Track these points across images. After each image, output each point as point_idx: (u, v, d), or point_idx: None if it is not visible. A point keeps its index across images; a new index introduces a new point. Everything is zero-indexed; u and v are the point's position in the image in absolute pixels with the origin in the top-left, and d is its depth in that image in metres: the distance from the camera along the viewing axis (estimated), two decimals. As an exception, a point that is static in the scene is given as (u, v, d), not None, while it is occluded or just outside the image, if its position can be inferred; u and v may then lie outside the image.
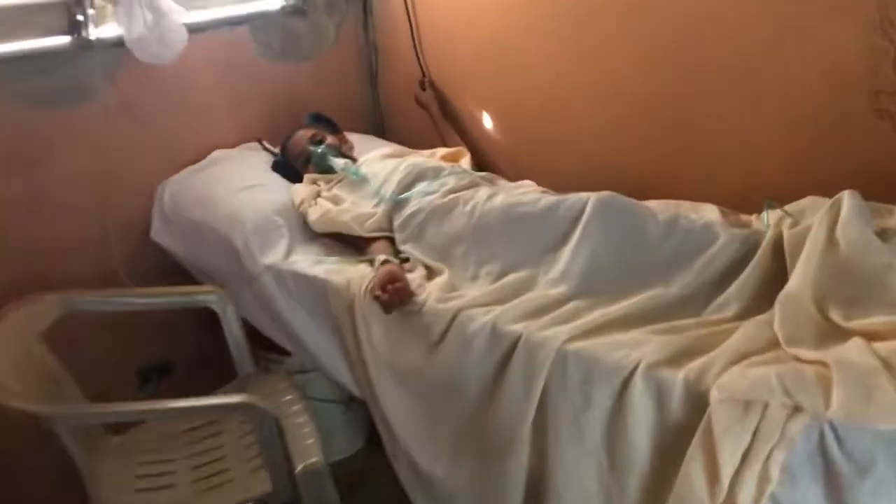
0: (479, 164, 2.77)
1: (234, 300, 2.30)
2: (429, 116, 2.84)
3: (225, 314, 2.18)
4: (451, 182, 2.17)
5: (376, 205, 2.23)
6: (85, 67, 2.27)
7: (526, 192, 2.12)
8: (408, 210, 2.15)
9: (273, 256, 2.24)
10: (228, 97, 2.65)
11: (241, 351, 2.20)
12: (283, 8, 2.77)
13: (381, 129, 3.13)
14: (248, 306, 2.30)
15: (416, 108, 2.88)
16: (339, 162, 2.37)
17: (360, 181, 2.32)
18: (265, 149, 2.64)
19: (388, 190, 2.22)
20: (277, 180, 2.48)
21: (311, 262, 2.19)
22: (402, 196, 2.18)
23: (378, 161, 2.42)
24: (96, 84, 2.29)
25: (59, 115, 2.25)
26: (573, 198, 1.96)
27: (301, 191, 2.36)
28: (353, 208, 2.25)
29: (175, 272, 2.43)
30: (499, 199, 2.04)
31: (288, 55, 2.79)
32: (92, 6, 2.26)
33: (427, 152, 2.62)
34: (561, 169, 2.61)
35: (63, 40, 2.25)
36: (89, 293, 2.08)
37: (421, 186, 2.20)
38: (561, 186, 2.38)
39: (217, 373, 2.24)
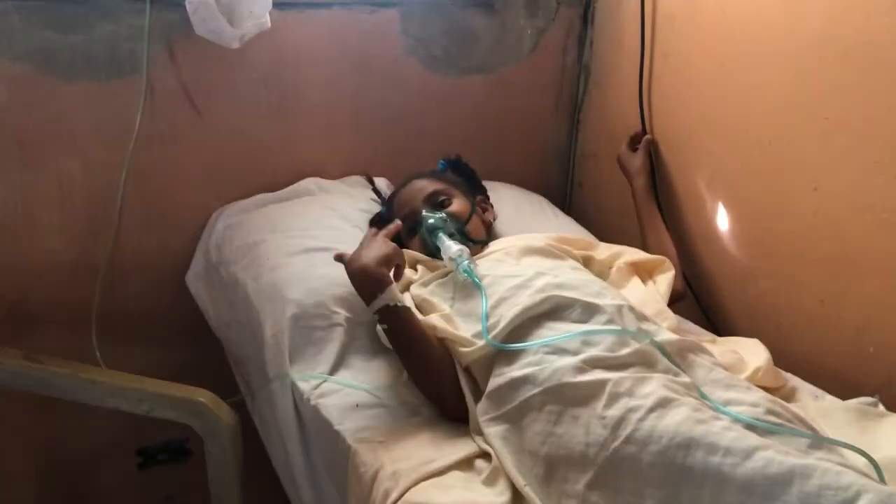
0: (691, 286, 1.79)
1: (254, 411, 1.53)
2: (630, 192, 1.88)
3: (209, 440, 1.39)
4: (602, 343, 1.20)
5: (477, 334, 1.32)
6: (133, 28, 1.57)
7: (740, 398, 1.10)
8: (515, 371, 1.21)
9: (309, 365, 1.42)
10: (345, 105, 1.84)
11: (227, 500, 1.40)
12: (460, -6, 1.92)
13: (566, 192, 2.20)
14: (266, 423, 1.51)
15: (621, 174, 1.92)
16: (450, 247, 1.47)
17: (471, 285, 1.42)
18: (375, 191, 1.81)
19: (503, 319, 1.29)
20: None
21: (347, 406, 1.34)
22: (515, 346, 1.25)
23: (513, 258, 1.49)
24: (145, 54, 1.58)
25: (81, 86, 1.56)
26: (826, 474, 0.93)
27: (386, 275, 1.50)
28: (440, 327, 1.35)
29: (203, 344, 1.69)
30: (676, 417, 1.04)
31: (452, 62, 1.93)
32: (160, -57, 1.55)
33: (609, 250, 1.66)
34: (832, 328, 1.56)
35: (114, -15, 1.56)
36: (23, 362, 1.37)
37: (553, 331, 1.25)
38: (828, 370, 1.52)
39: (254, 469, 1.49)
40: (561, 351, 1.20)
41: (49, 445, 1.78)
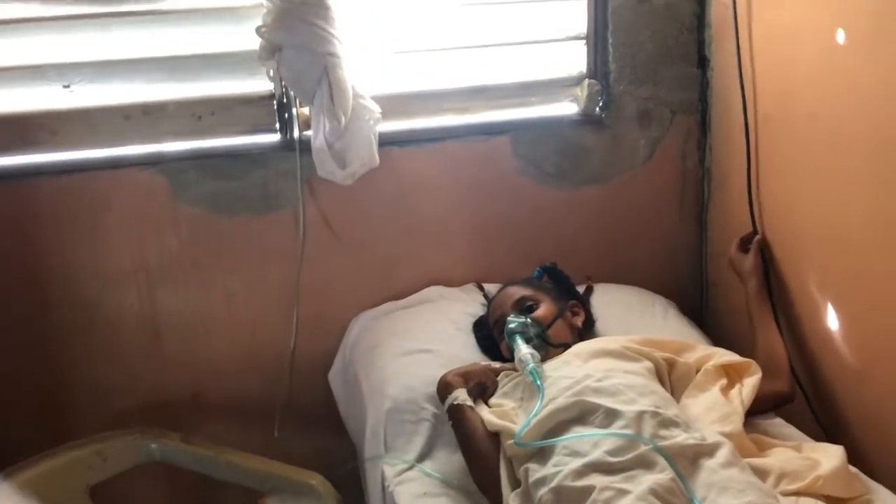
0: (804, 388, 1.75)
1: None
2: (744, 293, 1.89)
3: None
4: (610, 446, 1.28)
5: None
6: (280, 171, 1.94)
7: (725, 502, 1.14)
8: (540, 471, 1.32)
9: (400, 453, 1.64)
10: (466, 223, 2.07)
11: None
12: (570, 116, 2.09)
13: (700, 296, 2.22)
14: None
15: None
16: (522, 349, 1.61)
17: (535, 388, 1.54)
18: (484, 296, 2.00)
19: (540, 417, 1.42)
20: (464, 347, 1.83)
21: (417, 493, 1.52)
22: (538, 442, 1.36)
23: (581, 360, 1.60)
24: (291, 191, 1.94)
25: (241, 220, 1.95)
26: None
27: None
28: (489, 420, 1.51)
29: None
30: None
31: (565, 176, 2.10)
32: (299, 104, 1.92)
33: (702, 352, 1.70)
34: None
35: (267, 138, 1.95)
36: (180, 444, 1.73)
37: (576, 432, 1.35)
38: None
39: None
40: (575, 453, 1.31)
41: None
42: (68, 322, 1.92)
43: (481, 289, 2.02)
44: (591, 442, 1.31)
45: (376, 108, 1.83)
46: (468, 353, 1.80)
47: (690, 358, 1.68)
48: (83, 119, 1.85)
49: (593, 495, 1.20)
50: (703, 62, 2.10)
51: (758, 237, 1.90)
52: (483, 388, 1.63)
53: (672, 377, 1.65)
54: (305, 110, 1.91)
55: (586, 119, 2.09)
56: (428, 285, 2.06)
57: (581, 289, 1.98)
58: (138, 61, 1.85)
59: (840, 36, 1.58)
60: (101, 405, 1.94)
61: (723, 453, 1.30)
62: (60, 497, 1.61)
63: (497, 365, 1.70)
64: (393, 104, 1.92)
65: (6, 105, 1.83)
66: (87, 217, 1.89)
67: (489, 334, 1.82)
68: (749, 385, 1.61)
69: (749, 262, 1.88)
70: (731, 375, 1.65)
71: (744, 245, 1.92)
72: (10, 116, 1.83)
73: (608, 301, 1.98)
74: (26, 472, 1.54)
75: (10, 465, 1.58)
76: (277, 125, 1.94)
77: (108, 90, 1.85)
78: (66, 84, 1.84)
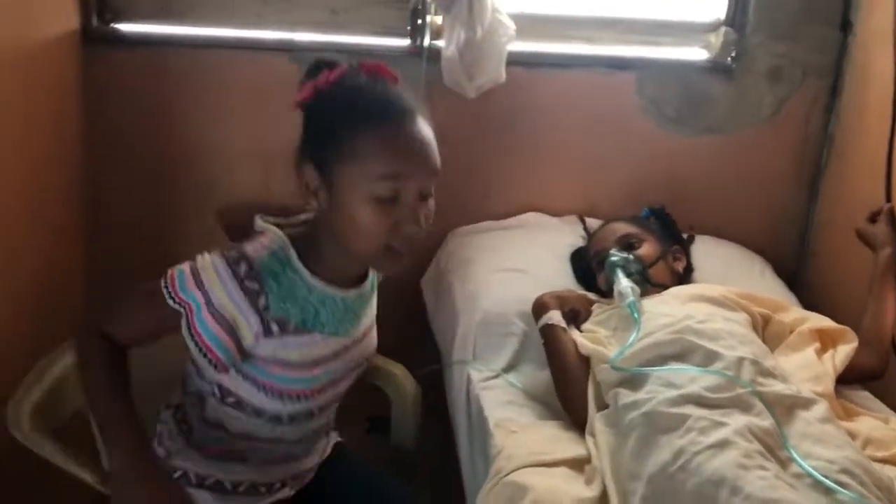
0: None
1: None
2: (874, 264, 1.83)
3: (395, 404, 1.69)
4: (707, 383, 1.30)
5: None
6: (403, 77, 1.95)
7: (821, 453, 1.16)
8: (632, 396, 1.36)
9: (487, 362, 1.69)
10: (578, 154, 2.07)
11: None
12: (699, 62, 2.05)
13: (798, 260, 2.18)
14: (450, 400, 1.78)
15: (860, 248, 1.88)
16: (622, 282, 1.62)
17: (631, 321, 1.56)
18: (585, 230, 2.01)
19: (636, 349, 1.44)
20: (557, 273, 1.85)
21: (501, 400, 1.57)
22: (636, 369, 1.39)
23: (679, 301, 1.60)
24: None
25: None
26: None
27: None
28: (582, 343, 1.54)
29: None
30: (724, 458, 1.15)
31: (686, 122, 2.08)
32: (433, 12, 1.93)
33: (797, 314, 1.69)
34: None
35: (397, 42, 1.97)
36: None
37: (674, 367, 1.37)
38: None
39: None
40: (670, 385, 1.33)
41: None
42: (187, 193, 2.00)
43: (583, 221, 2.03)
44: (687, 377, 1.33)
45: (511, 25, 1.83)
46: (561, 280, 1.82)
47: (786, 318, 1.68)
48: (224, -3, 1.91)
49: (688, 423, 1.23)
50: (845, 26, 2.04)
51: (889, 205, 1.83)
52: (576, 314, 1.65)
53: (766, 333, 1.64)
54: (438, 19, 1.93)
55: (715, 67, 2.05)
56: (528, 210, 2.08)
57: (683, 237, 1.97)
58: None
59: None
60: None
61: (819, 409, 1.31)
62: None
63: (592, 296, 1.73)
64: (525, 24, 1.92)
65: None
66: (214, 94, 1.96)
67: (587, 265, 1.83)
68: (843, 352, 1.60)
69: (883, 230, 1.81)
70: (825, 341, 1.65)
71: (873, 217, 1.86)
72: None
73: (707, 253, 1.98)
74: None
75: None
76: (409, 30, 1.96)
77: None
78: (212, -40, 1.89)
